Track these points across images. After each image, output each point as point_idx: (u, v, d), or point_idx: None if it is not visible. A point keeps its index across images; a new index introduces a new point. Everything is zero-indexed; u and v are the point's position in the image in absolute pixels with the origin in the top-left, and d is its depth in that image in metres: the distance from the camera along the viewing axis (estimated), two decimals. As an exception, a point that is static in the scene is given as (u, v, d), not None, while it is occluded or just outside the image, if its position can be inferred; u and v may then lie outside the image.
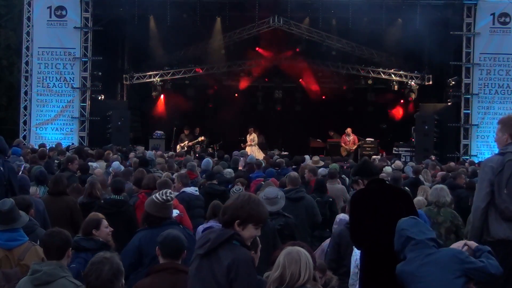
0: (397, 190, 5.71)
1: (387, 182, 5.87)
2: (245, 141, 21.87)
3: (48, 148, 16.09)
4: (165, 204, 5.52)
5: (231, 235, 3.69)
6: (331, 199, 9.27)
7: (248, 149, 20.96)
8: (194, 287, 3.78)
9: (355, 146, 21.38)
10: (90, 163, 11.46)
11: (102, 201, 7.58)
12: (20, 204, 5.74)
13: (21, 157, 11.68)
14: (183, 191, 8.55)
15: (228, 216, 3.75)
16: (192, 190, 8.59)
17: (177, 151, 20.04)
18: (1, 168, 7.09)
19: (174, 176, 9.35)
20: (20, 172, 9.75)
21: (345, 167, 14.09)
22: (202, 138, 22.40)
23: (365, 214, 5.21)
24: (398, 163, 14.42)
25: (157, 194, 5.62)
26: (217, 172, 10.68)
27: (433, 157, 16.78)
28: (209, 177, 9.94)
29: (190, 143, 22.06)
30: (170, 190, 5.86)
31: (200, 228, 7.27)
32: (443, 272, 4.23)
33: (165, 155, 15.74)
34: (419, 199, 8.25)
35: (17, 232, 5.19)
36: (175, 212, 6.97)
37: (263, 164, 13.33)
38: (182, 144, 22.01)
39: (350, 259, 6.41)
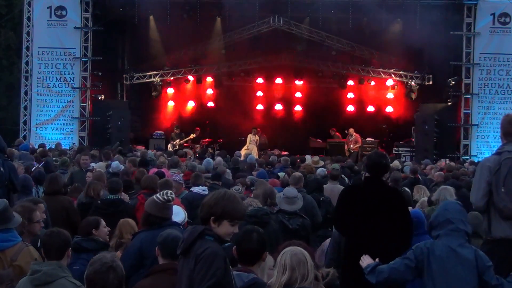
0: (389, 190, 5.81)
1: (385, 182, 5.95)
2: (244, 142, 21.83)
3: (47, 148, 16.12)
4: (166, 204, 5.51)
5: (201, 231, 3.70)
6: (328, 198, 9.28)
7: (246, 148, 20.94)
8: (178, 286, 3.84)
9: (358, 145, 21.35)
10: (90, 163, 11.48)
11: (99, 202, 7.57)
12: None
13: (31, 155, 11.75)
14: (191, 190, 8.54)
15: (204, 213, 3.77)
16: (199, 189, 8.47)
17: (168, 150, 19.97)
18: (1, 169, 7.04)
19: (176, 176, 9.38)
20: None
21: (346, 167, 14.04)
22: (193, 135, 22.33)
23: (349, 207, 5.52)
24: (396, 163, 14.40)
25: (158, 195, 5.61)
26: (222, 173, 10.65)
27: (443, 162, 16.62)
28: (214, 178, 9.90)
29: (181, 142, 21.98)
30: (170, 191, 5.86)
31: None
32: (466, 271, 4.28)
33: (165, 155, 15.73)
34: (424, 199, 8.28)
35: (10, 232, 5.12)
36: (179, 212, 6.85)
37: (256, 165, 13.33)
38: (174, 143, 21.93)
39: None
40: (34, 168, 10.13)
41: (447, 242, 4.32)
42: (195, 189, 8.52)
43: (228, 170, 11.59)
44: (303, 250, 3.91)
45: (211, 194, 3.88)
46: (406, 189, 9.80)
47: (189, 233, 3.75)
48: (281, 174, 11.35)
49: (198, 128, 23.09)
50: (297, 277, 3.76)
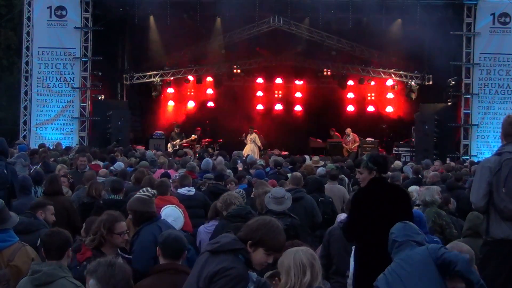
0: (397, 189, 5.82)
1: (388, 181, 5.95)
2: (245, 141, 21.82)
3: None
4: (152, 199, 5.64)
5: (239, 248, 3.66)
6: (330, 199, 9.28)
7: (248, 147, 20.94)
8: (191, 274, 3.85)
9: (356, 144, 21.34)
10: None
11: (101, 202, 7.58)
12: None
13: (27, 156, 11.74)
14: (177, 192, 8.52)
15: (243, 234, 3.73)
16: (184, 190, 8.48)
17: (168, 150, 19.98)
18: (5, 171, 7.11)
19: (175, 176, 9.36)
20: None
21: (345, 167, 14.03)
22: (195, 136, 22.31)
23: (364, 213, 5.45)
24: (397, 162, 14.40)
25: (142, 191, 5.70)
26: (222, 173, 10.65)
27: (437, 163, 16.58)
28: (217, 178, 9.89)
29: (182, 142, 21.95)
30: (150, 187, 5.96)
31: (202, 228, 7.25)
32: (418, 266, 4.21)
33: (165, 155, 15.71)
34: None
35: (7, 232, 5.12)
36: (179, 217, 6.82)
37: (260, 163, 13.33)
38: (174, 143, 21.91)
39: (339, 258, 6.46)
40: (32, 169, 10.12)
41: (396, 258, 4.36)
42: (181, 190, 8.49)
43: (228, 170, 11.59)
44: (309, 248, 3.92)
45: (256, 218, 3.85)
46: (413, 187, 9.77)
47: (228, 242, 3.70)
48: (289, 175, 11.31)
49: (199, 128, 23.08)
50: (317, 274, 3.73)
